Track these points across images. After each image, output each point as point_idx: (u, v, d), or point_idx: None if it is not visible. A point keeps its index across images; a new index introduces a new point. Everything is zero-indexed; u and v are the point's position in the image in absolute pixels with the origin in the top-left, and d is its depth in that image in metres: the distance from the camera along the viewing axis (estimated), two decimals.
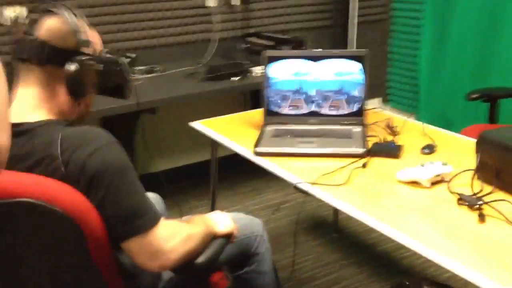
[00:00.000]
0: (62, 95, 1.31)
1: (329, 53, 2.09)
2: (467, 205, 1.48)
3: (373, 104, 2.35)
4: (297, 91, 2.10)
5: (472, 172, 1.63)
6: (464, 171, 1.65)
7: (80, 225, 1.16)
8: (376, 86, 4.24)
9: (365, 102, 2.08)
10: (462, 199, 1.50)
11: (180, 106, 3.09)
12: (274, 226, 2.95)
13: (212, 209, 2.50)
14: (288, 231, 2.93)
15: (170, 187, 2.04)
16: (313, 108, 2.10)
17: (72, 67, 1.28)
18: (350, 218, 1.55)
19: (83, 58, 1.30)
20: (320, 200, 1.63)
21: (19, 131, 1.22)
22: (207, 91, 2.79)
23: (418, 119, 3.90)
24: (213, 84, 2.85)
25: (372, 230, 1.52)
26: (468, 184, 1.59)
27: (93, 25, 1.42)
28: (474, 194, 1.52)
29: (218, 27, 3.43)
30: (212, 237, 1.43)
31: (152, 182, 1.93)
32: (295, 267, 2.61)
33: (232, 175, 3.45)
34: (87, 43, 1.32)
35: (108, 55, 1.38)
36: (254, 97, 3.51)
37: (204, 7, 3.39)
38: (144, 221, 1.22)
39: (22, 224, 1.18)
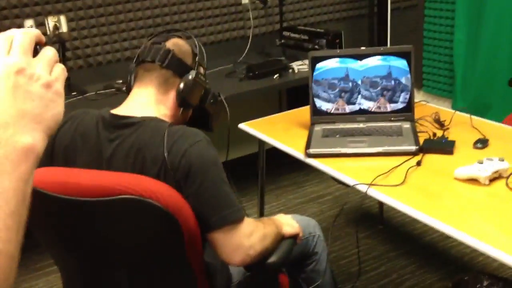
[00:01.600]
0: (172, 101, 1.46)
1: (374, 51, 2.09)
2: None
3: None
4: (344, 79, 2.10)
5: None
6: None
7: (178, 220, 1.23)
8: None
9: (413, 97, 2.08)
10: None
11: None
12: (318, 219, 2.98)
13: (261, 205, 2.54)
14: (332, 224, 2.96)
15: None
16: (361, 99, 2.10)
17: (189, 77, 1.45)
18: (394, 208, 1.58)
19: (199, 73, 1.49)
20: (361, 191, 1.67)
21: (126, 123, 1.37)
22: (248, 91, 2.81)
23: (455, 103, 3.90)
24: (254, 83, 2.87)
25: (417, 221, 1.54)
26: None
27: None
28: None
29: (252, 23, 3.45)
30: (281, 238, 1.50)
31: None
32: (344, 261, 2.65)
33: (271, 169, 3.48)
34: (202, 64, 1.53)
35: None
36: (291, 94, 3.54)
37: (238, 4, 3.41)
38: (232, 212, 1.32)
39: (124, 219, 1.28)
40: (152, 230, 1.29)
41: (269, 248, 1.42)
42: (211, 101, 1.56)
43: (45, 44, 0.73)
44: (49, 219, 1.33)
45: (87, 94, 2.81)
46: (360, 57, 2.09)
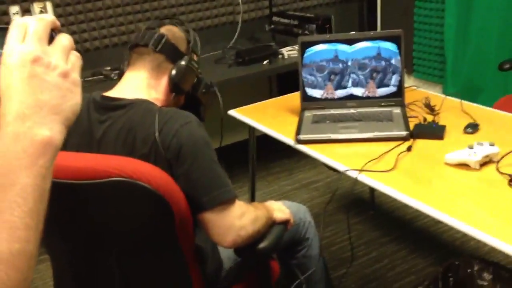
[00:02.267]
0: (163, 86, 1.46)
1: (363, 35, 2.07)
2: None
3: None
4: (333, 61, 2.08)
5: None
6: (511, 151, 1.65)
7: (169, 202, 1.23)
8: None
9: (403, 82, 2.07)
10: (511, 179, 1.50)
11: None
12: (310, 206, 2.98)
13: (252, 191, 2.53)
14: (323, 210, 2.95)
15: None
16: (351, 84, 2.09)
17: (182, 62, 1.45)
18: (385, 194, 1.57)
19: (192, 59, 1.49)
20: (352, 177, 1.66)
21: (117, 105, 1.37)
22: (238, 77, 2.79)
23: (446, 88, 3.89)
24: (243, 69, 2.85)
25: (408, 206, 1.54)
26: None
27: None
28: None
29: (242, 8, 3.41)
30: (272, 223, 1.50)
31: None
32: (335, 247, 2.65)
33: (262, 155, 3.48)
34: (196, 51, 1.52)
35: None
36: (281, 79, 3.51)
37: None
38: (223, 192, 1.32)
39: (115, 202, 1.28)
40: (143, 213, 1.28)
41: (260, 231, 1.42)
42: (203, 90, 1.56)
43: (60, 31, 0.70)
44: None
45: None
46: (350, 41, 2.07)
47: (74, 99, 0.67)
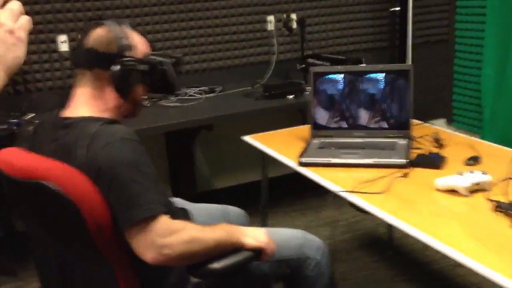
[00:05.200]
0: (110, 93, 1.48)
1: (374, 68, 2.13)
2: (504, 212, 1.47)
3: (437, 124, 2.33)
4: (344, 91, 2.15)
5: (511, 181, 1.62)
6: (504, 180, 1.64)
7: (80, 208, 1.28)
8: (440, 107, 4.20)
9: (411, 115, 2.10)
10: (499, 206, 1.50)
11: (236, 124, 3.19)
12: (330, 243, 2.98)
13: (263, 222, 2.57)
14: (342, 247, 2.95)
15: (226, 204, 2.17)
16: (360, 115, 2.14)
17: (115, 68, 1.44)
18: (405, 236, 1.56)
19: (124, 60, 1.45)
20: (377, 219, 1.63)
21: (64, 124, 1.43)
22: (261, 109, 2.89)
23: (483, 139, 3.84)
24: (269, 102, 2.96)
25: (427, 248, 1.53)
26: (508, 193, 1.58)
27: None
28: (510, 203, 1.51)
29: (277, 49, 3.55)
30: (235, 247, 1.46)
31: (210, 200, 2.05)
32: (348, 282, 2.63)
33: (289, 193, 3.54)
34: (128, 47, 1.47)
35: (152, 57, 1.52)
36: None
37: (264, 30, 3.53)
38: (140, 212, 1.30)
39: (38, 204, 1.39)
40: (59, 215, 1.36)
41: (199, 253, 1.38)
42: (161, 68, 1.52)
43: None
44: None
45: None
46: (361, 73, 2.13)
47: (16, 52, 0.82)
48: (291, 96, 2.98)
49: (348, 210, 3.31)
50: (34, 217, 1.49)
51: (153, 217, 1.31)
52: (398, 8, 3.45)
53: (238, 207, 2.01)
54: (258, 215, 2.57)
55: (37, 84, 3.07)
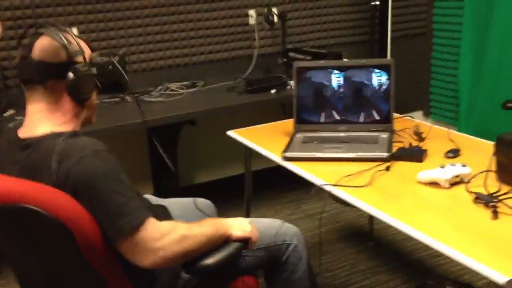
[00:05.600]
0: (67, 104, 1.43)
1: (357, 63, 2.17)
2: (483, 203, 1.52)
3: (415, 117, 2.38)
4: (326, 85, 2.18)
5: (489, 173, 1.67)
6: (482, 172, 1.69)
7: (70, 229, 1.25)
8: (418, 100, 4.27)
9: (393, 109, 2.14)
10: (478, 198, 1.55)
11: (220, 118, 3.21)
12: (311, 234, 3.02)
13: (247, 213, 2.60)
14: (323, 239, 3.00)
15: (210, 199, 2.18)
16: (343, 109, 2.17)
17: (70, 77, 1.39)
18: (385, 227, 1.60)
19: (78, 66, 1.40)
20: (357, 211, 1.68)
21: (24, 144, 1.37)
22: (245, 103, 2.91)
23: (459, 131, 3.91)
24: (252, 96, 2.98)
25: (407, 239, 1.57)
26: (487, 185, 1.63)
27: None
28: (491, 194, 1.56)
29: (258, 43, 3.56)
30: (224, 240, 1.50)
31: (192, 194, 2.07)
32: (330, 273, 2.68)
33: (272, 186, 3.58)
34: (78, 53, 1.42)
35: (99, 58, 1.51)
36: (291, 107, 3.62)
37: (245, 24, 3.54)
38: (128, 221, 1.30)
39: (20, 228, 1.29)
40: (43, 237, 1.30)
41: (194, 249, 1.40)
42: (110, 68, 1.56)
43: None
44: None
45: None
46: (343, 68, 2.17)
47: None
48: (273, 91, 3.01)
49: (329, 203, 3.35)
50: (14, 241, 1.37)
51: (142, 223, 1.32)
52: (378, 2, 3.49)
53: (221, 201, 2.03)
54: (241, 208, 2.60)
55: (16, 80, 3.03)
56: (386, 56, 3.55)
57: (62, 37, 1.41)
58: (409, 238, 1.52)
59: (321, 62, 2.22)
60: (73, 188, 1.28)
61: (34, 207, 1.22)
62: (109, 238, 1.32)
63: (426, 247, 1.43)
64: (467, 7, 3.71)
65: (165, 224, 1.38)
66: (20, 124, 1.45)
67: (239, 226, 1.56)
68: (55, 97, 1.42)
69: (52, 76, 1.40)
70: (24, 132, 1.41)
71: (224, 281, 1.66)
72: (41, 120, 1.41)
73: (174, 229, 1.38)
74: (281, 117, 2.55)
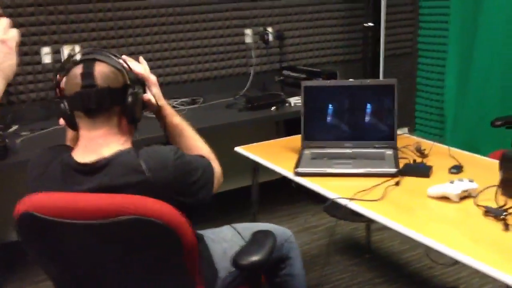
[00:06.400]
0: (125, 125, 1.50)
1: (361, 83, 2.28)
2: (493, 216, 1.63)
3: (400, 133, 2.51)
4: (333, 104, 2.29)
5: (496, 187, 1.79)
6: (489, 187, 1.81)
7: (178, 235, 1.37)
8: (403, 116, 4.41)
9: (396, 127, 2.26)
10: (488, 211, 1.66)
11: (221, 135, 3.28)
12: (308, 247, 3.11)
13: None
14: (322, 252, 3.08)
15: (212, 212, 2.24)
16: (349, 127, 2.28)
17: (129, 100, 1.46)
18: (381, 240, 1.70)
19: (135, 89, 1.49)
20: (352, 224, 1.79)
21: (97, 167, 1.41)
22: (246, 120, 3.00)
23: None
24: (252, 113, 3.07)
25: (403, 251, 1.66)
26: (493, 199, 1.75)
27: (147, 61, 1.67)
28: (499, 207, 1.68)
29: (255, 61, 3.67)
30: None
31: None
32: (330, 285, 2.76)
33: (268, 200, 3.65)
34: (131, 75, 1.49)
35: (135, 76, 1.54)
36: (287, 125, 3.72)
37: (243, 43, 3.65)
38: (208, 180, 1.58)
39: (126, 239, 1.37)
40: (152, 248, 1.39)
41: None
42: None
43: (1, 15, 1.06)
44: (50, 243, 1.40)
45: None
46: (349, 88, 2.28)
47: (11, 60, 1.02)
48: (273, 108, 3.11)
49: (324, 216, 3.46)
50: (92, 256, 1.42)
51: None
52: (371, 24, 3.63)
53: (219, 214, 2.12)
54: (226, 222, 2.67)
55: (20, 96, 3.08)
56: (378, 74, 3.68)
57: (119, 62, 1.48)
58: (404, 251, 1.61)
59: (328, 82, 2.34)
60: (174, 188, 1.42)
61: (150, 218, 1.31)
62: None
63: (421, 259, 1.54)
64: (452, 28, 3.88)
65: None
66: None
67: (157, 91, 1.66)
68: (116, 120, 1.47)
69: (117, 102, 1.45)
70: (86, 157, 1.44)
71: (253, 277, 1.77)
72: (105, 144, 1.45)
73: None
74: (276, 135, 2.63)
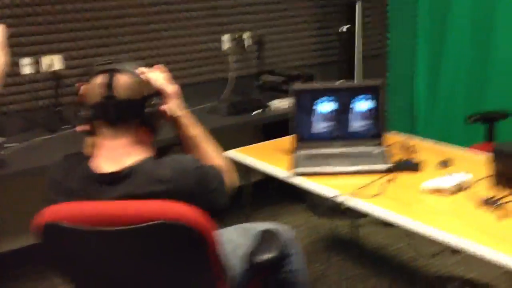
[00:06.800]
0: (145, 135, 1.54)
1: (349, 85, 2.38)
2: (489, 206, 1.74)
3: None
4: (321, 105, 2.37)
5: (488, 179, 1.90)
6: (481, 179, 1.92)
7: (204, 237, 1.41)
8: None
9: (383, 125, 2.36)
10: (481, 202, 1.77)
11: None
12: None
13: None
14: (308, 250, 3.16)
15: None
16: (338, 127, 2.36)
17: (148, 111, 1.51)
18: (367, 235, 1.77)
19: (153, 100, 1.54)
20: (334, 222, 1.87)
21: (120, 176, 1.44)
22: (230, 124, 3.07)
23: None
24: (236, 118, 3.13)
25: (389, 245, 1.74)
26: (485, 190, 1.86)
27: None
28: (492, 197, 1.78)
29: (234, 66, 3.73)
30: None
31: None
32: (322, 280, 2.84)
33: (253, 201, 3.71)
34: (152, 86, 1.54)
35: (152, 86, 1.59)
36: (265, 128, 3.80)
37: (219, 49, 3.70)
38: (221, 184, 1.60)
39: (158, 243, 1.41)
40: (179, 253, 1.44)
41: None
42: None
43: None
44: (77, 252, 1.44)
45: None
46: (336, 90, 2.37)
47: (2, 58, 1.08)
48: (255, 112, 3.18)
49: (307, 215, 3.54)
50: (142, 257, 1.46)
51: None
52: (348, 26, 3.75)
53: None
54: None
55: (1, 108, 3.04)
56: (353, 75, 3.80)
57: (137, 72, 1.51)
58: (391, 244, 1.70)
59: (316, 85, 2.42)
60: (194, 195, 1.44)
61: (178, 222, 1.35)
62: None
63: (405, 251, 1.64)
64: (420, 29, 4.02)
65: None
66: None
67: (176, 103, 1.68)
68: (136, 130, 1.51)
69: (136, 113, 1.49)
70: (108, 167, 1.46)
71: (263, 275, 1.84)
72: (126, 153, 1.48)
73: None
74: (255, 138, 2.70)
